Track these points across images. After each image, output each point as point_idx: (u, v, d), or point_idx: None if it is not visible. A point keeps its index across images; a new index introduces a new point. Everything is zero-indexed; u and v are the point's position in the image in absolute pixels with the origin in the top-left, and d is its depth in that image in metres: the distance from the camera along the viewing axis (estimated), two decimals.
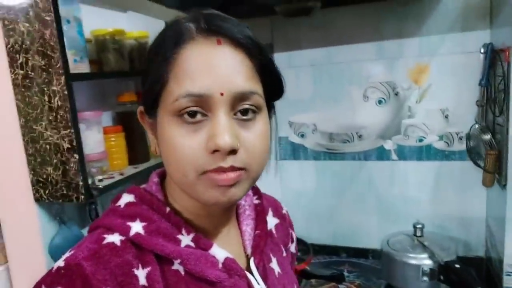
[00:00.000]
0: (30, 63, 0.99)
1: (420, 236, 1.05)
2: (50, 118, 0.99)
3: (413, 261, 0.98)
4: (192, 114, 0.44)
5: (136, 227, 0.48)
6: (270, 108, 0.53)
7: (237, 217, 0.59)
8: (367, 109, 1.26)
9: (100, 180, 1.09)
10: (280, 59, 1.33)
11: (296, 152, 1.37)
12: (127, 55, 1.27)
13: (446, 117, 1.19)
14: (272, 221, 0.64)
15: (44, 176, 1.03)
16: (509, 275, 1.00)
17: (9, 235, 1.12)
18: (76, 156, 0.99)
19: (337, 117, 1.30)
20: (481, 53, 1.06)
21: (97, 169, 1.13)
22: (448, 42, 1.16)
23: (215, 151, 0.43)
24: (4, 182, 1.07)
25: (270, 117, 0.52)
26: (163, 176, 0.56)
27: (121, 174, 1.16)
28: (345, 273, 1.21)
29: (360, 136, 1.28)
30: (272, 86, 0.50)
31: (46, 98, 0.98)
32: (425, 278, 0.96)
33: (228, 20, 0.47)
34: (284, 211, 0.69)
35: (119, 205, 0.51)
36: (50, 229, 1.09)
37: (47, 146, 1.00)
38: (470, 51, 1.12)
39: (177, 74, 0.45)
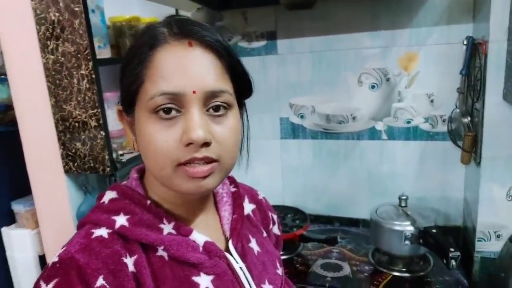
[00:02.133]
0: (60, 49, 1.10)
1: (404, 206, 1.19)
2: (79, 99, 1.11)
3: (397, 227, 1.12)
4: (167, 111, 0.47)
5: (121, 220, 0.51)
6: (241, 106, 0.58)
7: (215, 204, 0.63)
8: (361, 93, 1.39)
9: (121, 155, 1.22)
10: (283, 45, 1.44)
11: (295, 131, 1.50)
12: None
13: (432, 101, 1.32)
14: (248, 207, 0.69)
15: (73, 151, 1.15)
16: (480, 240, 1.15)
17: (40, 203, 1.25)
18: (103, 133, 1.11)
19: (333, 100, 1.42)
20: (464, 44, 1.17)
21: (118, 144, 1.26)
22: (435, 34, 1.27)
23: (189, 144, 0.47)
24: (37, 155, 1.20)
25: (241, 113, 0.57)
26: (142, 172, 0.59)
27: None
28: (338, 240, 1.36)
29: (354, 118, 1.41)
30: (242, 85, 0.54)
31: (75, 81, 1.10)
32: (407, 242, 1.11)
33: (198, 24, 0.50)
34: (260, 197, 0.74)
35: (104, 202, 0.55)
36: (77, 198, 1.22)
37: (76, 124, 1.13)
38: (454, 42, 1.24)
39: (152, 75, 0.48)
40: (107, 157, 1.13)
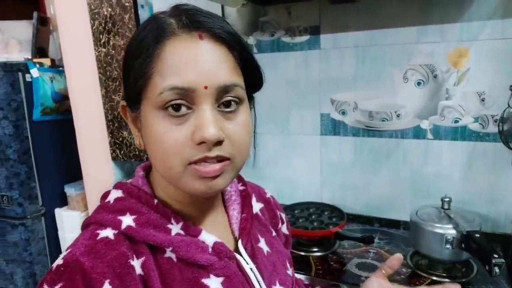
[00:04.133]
0: (111, 43, 1.16)
1: (447, 209, 1.14)
2: None
3: (438, 230, 1.08)
4: (176, 108, 0.45)
5: (127, 220, 0.49)
6: (251, 99, 0.55)
7: (224, 202, 0.61)
8: (406, 90, 1.34)
9: None
10: (326, 40, 1.42)
11: (336, 128, 1.48)
12: None
13: (483, 100, 1.24)
14: (256, 206, 0.67)
15: (120, 139, 1.22)
16: None
17: (89, 187, 1.33)
18: None
19: (377, 96, 1.39)
20: None
21: None
22: (488, 28, 1.20)
23: (201, 142, 0.45)
24: (88, 143, 1.28)
25: (250, 107, 0.54)
26: (148, 170, 0.57)
27: None
28: (377, 240, 1.33)
29: (398, 115, 1.37)
30: (253, 78, 0.52)
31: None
32: (448, 246, 1.06)
33: (209, 15, 0.48)
34: (268, 196, 0.72)
35: (109, 201, 0.52)
36: None
37: None
38: (510, 37, 1.17)
39: (161, 69, 0.45)
40: None
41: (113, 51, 1.17)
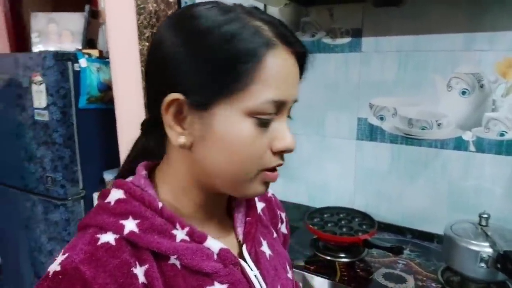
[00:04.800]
0: None
1: (484, 226, 1.08)
2: None
3: (473, 247, 1.02)
4: (267, 118, 0.47)
5: (130, 225, 0.47)
6: None
7: (229, 204, 0.60)
8: (449, 99, 1.28)
9: None
10: (368, 43, 1.39)
11: (373, 133, 1.44)
12: None
13: None
14: (258, 205, 0.66)
15: None
16: None
17: None
18: None
19: (418, 103, 1.34)
20: None
21: None
22: None
23: (281, 151, 0.48)
24: (127, 132, 1.33)
25: None
26: (149, 169, 0.55)
27: None
28: (407, 252, 1.29)
29: (439, 124, 1.32)
30: None
31: None
32: (483, 265, 1.01)
33: (293, 31, 0.50)
34: (269, 194, 0.71)
35: (109, 202, 0.50)
36: None
37: None
38: None
39: (263, 79, 0.45)
40: None
41: None
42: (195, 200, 0.53)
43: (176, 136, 0.48)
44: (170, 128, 0.48)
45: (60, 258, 0.45)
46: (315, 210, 1.40)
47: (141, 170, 0.53)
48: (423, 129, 1.35)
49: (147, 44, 1.21)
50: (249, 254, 0.56)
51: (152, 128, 0.54)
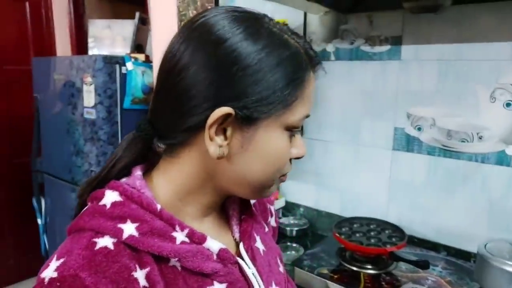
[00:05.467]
0: None
1: None
2: None
3: (506, 268, 0.96)
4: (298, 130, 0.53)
5: (129, 229, 0.46)
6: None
7: (224, 202, 0.61)
8: (492, 111, 1.22)
9: None
10: (407, 51, 1.36)
11: (410, 144, 1.40)
12: None
13: None
14: (251, 201, 0.66)
15: None
16: None
17: None
18: None
19: (458, 114, 1.28)
20: None
21: None
22: None
23: (297, 158, 0.54)
24: None
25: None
26: (145, 171, 0.54)
27: None
28: (439, 269, 1.23)
29: (480, 137, 1.25)
30: None
31: None
32: None
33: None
34: None
35: (104, 205, 0.48)
36: None
37: None
38: None
39: (303, 97, 0.51)
40: None
41: None
42: (201, 200, 0.54)
43: (216, 147, 0.48)
44: (211, 139, 0.48)
45: (54, 263, 0.43)
46: (345, 219, 1.38)
47: (137, 171, 0.53)
48: (462, 141, 1.28)
49: None
50: (246, 252, 0.56)
51: (154, 132, 0.53)
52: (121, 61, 1.64)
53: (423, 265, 1.06)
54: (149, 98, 1.77)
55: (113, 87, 1.64)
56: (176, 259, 0.47)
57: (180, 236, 0.49)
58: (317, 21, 1.56)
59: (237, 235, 0.59)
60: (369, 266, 1.20)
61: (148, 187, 0.51)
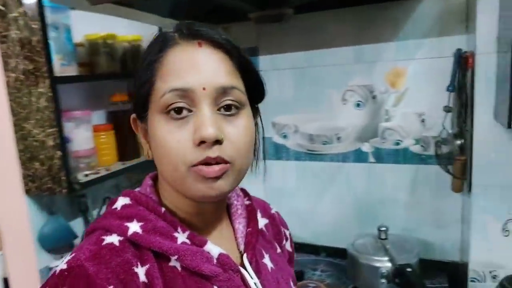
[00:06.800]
0: (20, 67, 1.07)
1: (383, 239, 1.06)
2: (37, 117, 1.08)
3: (373, 263, 1.00)
4: (178, 111, 0.47)
5: (134, 227, 0.50)
6: (256, 111, 0.56)
7: (230, 216, 0.61)
8: (345, 112, 1.28)
9: (86, 175, 1.17)
10: (264, 62, 1.36)
11: (278, 152, 1.41)
12: (119, 58, 1.34)
13: (423, 121, 1.19)
14: (261, 221, 0.66)
15: (33, 171, 1.12)
16: (474, 281, 1.01)
17: (3, 224, 1.22)
18: (59, 152, 1.07)
19: (317, 119, 1.32)
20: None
21: (85, 164, 1.21)
22: (425, 47, 1.16)
23: (201, 142, 0.46)
24: None
25: (255, 118, 0.55)
26: (156, 179, 0.58)
27: (107, 170, 1.24)
28: (319, 272, 1.24)
29: (338, 138, 1.30)
30: (253, 85, 0.53)
31: (33, 99, 1.07)
32: (383, 281, 0.98)
33: (207, 26, 0.50)
34: (273, 211, 0.71)
35: (116, 208, 0.53)
36: (39, 220, 1.18)
37: (35, 143, 1.09)
38: (447, 56, 1.12)
39: (162, 74, 0.48)
40: (63, 178, 1.08)
41: (22, 76, 1.09)
42: (184, 207, 0.53)
43: (145, 149, 0.54)
44: (141, 143, 0.54)
45: (66, 258, 0.47)
46: None
47: (148, 180, 0.57)
48: (324, 144, 1.33)
49: (13, 75, 1.09)
50: (250, 263, 0.56)
51: None
52: None
53: (298, 276, 1.05)
54: None
55: None
56: (176, 257, 0.49)
57: (181, 237, 0.51)
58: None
59: (242, 248, 0.58)
60: None
61: (155, 193, 0.55)
